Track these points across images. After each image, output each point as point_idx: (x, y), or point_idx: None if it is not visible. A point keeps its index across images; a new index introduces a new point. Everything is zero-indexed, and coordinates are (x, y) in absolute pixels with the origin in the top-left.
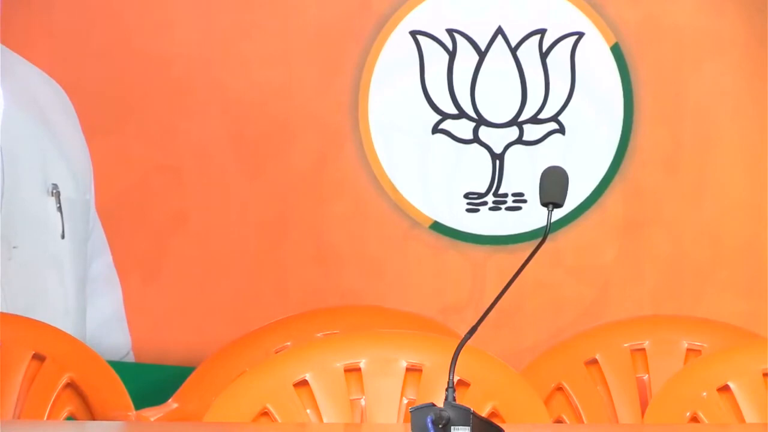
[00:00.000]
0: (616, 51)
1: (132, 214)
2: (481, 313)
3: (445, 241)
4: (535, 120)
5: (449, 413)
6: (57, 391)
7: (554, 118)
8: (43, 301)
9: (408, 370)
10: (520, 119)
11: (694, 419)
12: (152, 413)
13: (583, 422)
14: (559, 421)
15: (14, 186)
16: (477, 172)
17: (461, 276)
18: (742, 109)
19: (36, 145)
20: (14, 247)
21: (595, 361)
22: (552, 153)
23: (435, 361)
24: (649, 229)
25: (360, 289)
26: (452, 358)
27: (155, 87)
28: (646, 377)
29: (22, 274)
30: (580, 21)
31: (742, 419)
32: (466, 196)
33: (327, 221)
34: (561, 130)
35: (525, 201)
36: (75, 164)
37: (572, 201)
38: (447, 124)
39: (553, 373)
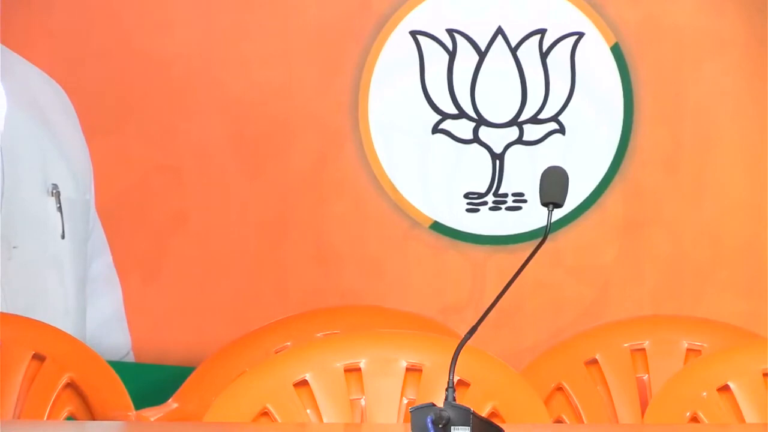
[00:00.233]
0: (616, 51)
1: (132, 214)
2: (481, 313)
3: (445, 241)
4: (535, 120)
5: (449, 413)
6: (57, 391)
7: (554, 118)
8: (43, 301)
9: (408, 370)
10: (520, 119)
11: (694, 419)
12: (152, 413)
13: (583, 422)
14: (559, 421)
15: (14, 186)
16: (477, 172)
17: (461, 276)
18: (742, 109)
19: (36, 145)
20: (14, 247)
21: (595, 361)
22: (552, 153)
23: (435, 361)
24: (649, 229)
25: (360, 289)
26: (452, 358)
27: (155, 87)
28: (646, 377)
29: (22, 274)
30: (580, 21)
31: (742, 419)
32: (466, 196)
33: (327, 221)
34: (561, 130)
35: (525, 201)
36: (75, 164)
37: (572, 201)
38: (447, 124)
39: (553, 373)
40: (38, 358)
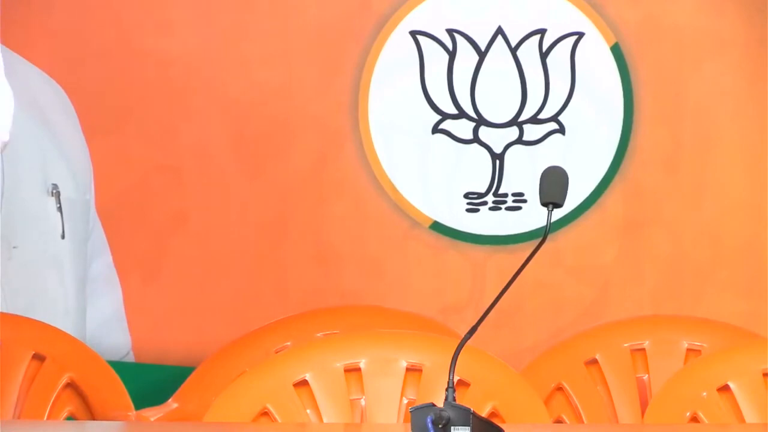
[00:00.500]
0: (616, 51)
1: (132, 214)
2: (481, 313)
3: (445, 241)
4: (535, 120)
5: (449, 413)
6: (57, 391)
7: (554, 118)
8: (43, 301)
9: (408, 370)
10: (520, 119)
11: (694, 419)
12: (152, 413)
13: (583, 422)
14: (559, 421)
15: (14, 186)
16: (477, 172)
17: (461, 276)
18: (742, 109)
19: (36, 145)
20: (14, 247)
21: (595, 361)
22: (552, 153)
23: (435, 361)
24: (649, 229)
25: (360, 289)
26: (452, 358)
27: (155, 87)
28: (646, 377)
29: (22, 274)
30: (580, 21)
31: (742, 419)
32: (466, 196)
33: (327, 221)
34: (561, 130)
35: (525, 201)
36: (75, 164)
37: (572, 201)
38: (447, 124)
39: (553, 373)
40: (38, 358)
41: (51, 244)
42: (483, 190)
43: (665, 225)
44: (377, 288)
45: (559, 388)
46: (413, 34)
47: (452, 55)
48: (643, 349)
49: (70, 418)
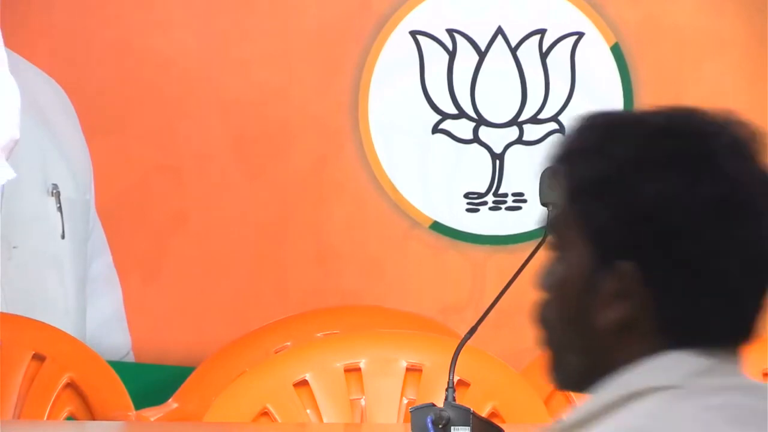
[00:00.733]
0: (616, 51)
1: (132, 214)
2: (481, 313)
3: (445, 241)
4: (535, 120)
5: (449, 413)
6: (57, 391)
7: (554, 118)
8: (43, 301)
9: (408, 370)
10: (520, 119)
11: None
12: (152, 413)
13: None
14: None
15: (14, 186)
16: (477, 172)
17: (461, 276)
18: (742, 109)
19: (36, 145)
20: (14, 247)
21: None
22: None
23: (435, 361)
24: None
25: (360, 289)
26: (452, 358)
27: (155, 87)
28: None
29: (22, 274)
30: (580, 21)
31: None
32: (466, 196)
33: (327, 221)
34: (561, 130)
35: (525, 201)
36: (75, 164)
37: None
38: (447, 124)
39: None
40: (38, 358)
41: (51, 244)
42: (483, 190)
43: None
44: (377, 288)
45: None
46: (413, 34)
47: (452, 55)
48: None
49: (70, 418)
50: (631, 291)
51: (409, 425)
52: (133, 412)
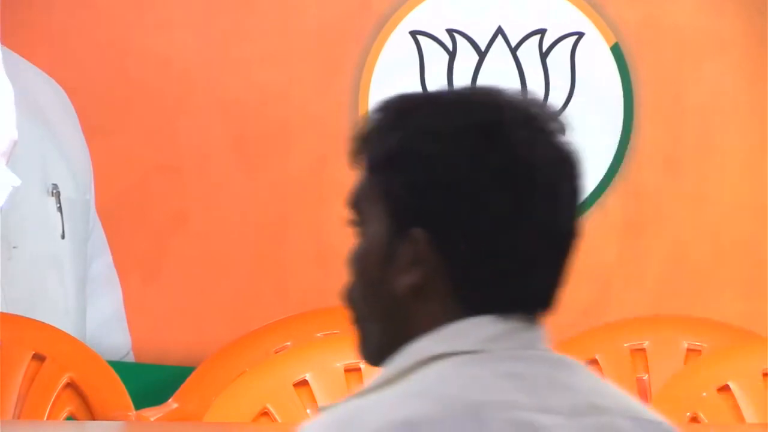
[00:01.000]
0: (616, 51)
1: (132, 214)
2: None
3: None
4: None
5: None
6: (57, 391)
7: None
8: (43, 301)
9: None
10: None
11: (694, 419)
12: (152, 413)
13: None
14: None
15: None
16: None
17: None
18: (742, 109)
19: (36, 145)
20: (14, 247)
21: (595, 361)
22: None
23: None
24: (650, 229)
25: None
26: None
27: (155, 87)
28: (646, 377)
29: (22, 274)
30: (580, 21)
31: (742, 419)
32: None
33: (327, 221)
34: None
35: None
36: (75, 164)
37: None
38: None
39: None
40: (38, 358)
41: (51, 244)
42: None
43: (665, 225)
44: None
45: None
46: (413, 34)
47: (452, 55)
48: (643, 349)
49: (70, 418)
50: (424, 257)
51: None
52: (133, 412)
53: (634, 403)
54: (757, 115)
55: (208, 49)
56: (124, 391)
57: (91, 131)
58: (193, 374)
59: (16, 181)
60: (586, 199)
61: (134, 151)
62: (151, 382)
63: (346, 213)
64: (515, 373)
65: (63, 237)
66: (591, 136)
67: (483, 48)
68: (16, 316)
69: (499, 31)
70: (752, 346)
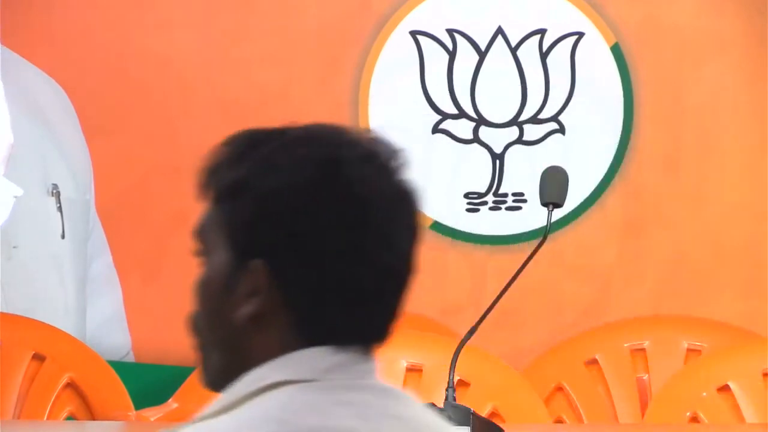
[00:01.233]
0: (616, 51)
1: (132, 214)
2: (481, 313)
3: (445, 241)
4: (535, 120)
5: (449, 413)
6: (57, 391)
7: (554, 118)
8: (43, 301)
9: (408, 370)
10: (520, 119)
11: (694, 419)
12: (152, 413)
13: (583, 422)
14: (559, 421)
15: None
16: (477, 172)
17: (461, 276)
18: (742, 110)
19: (36, 145)
20: (14, 247)
21: (595, 361)
22: (552, 153)
23: (435, 361)
24: (649, 229)
25: None
26: (452, 358)
27: (155, 87)
28: (646, 377)
29: (22, 274)
30: (580, 21)
31: (742, 419)
32: (466, 196)
33: None
34: (561, 130)
35: (525, 201)
36: (75, 164)
37: (572, 201)
38: (447, 124)
39: (553, 373)
40: (38, 358)
41: (51, 244)
42: (483, 190)
43: (665, 225)
44: None
45: (559, 388)
46: (413, 34)
47: (452, 55)
48: (643, 349)
49: (70, 418)
50: (263, 288)
51: None
52: (133, 412)
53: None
54: (757, 115)
55: (208, 49)
56: (124, 391)
57: (91, 131)
58: (193, 374)
59: (18, 191)
60: (586, 199)
61: (134, 151)
62: (151, 382)
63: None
64: (351, 402)
65: (63, 237)
66: (591, 136)
67: (483, 48)
68: (16, 316)
69: (499, 31)
70: (752, 346)
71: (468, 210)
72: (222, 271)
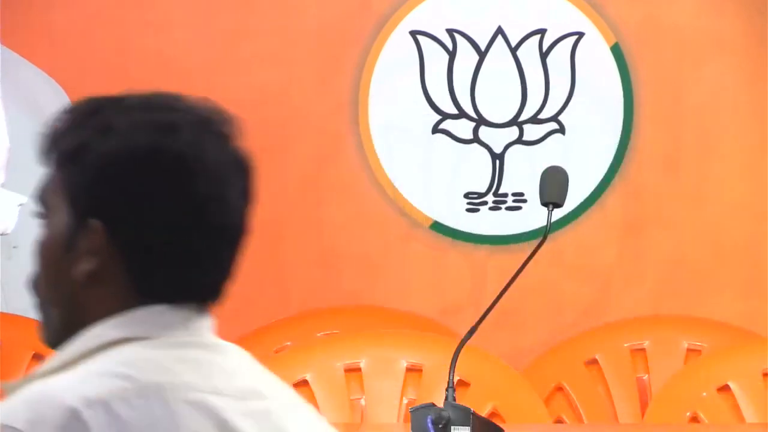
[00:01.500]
0: (616, 51)
1: None
2: (481, 313)
3: (445, 241)
4: (535, 120)
5: (449, 413)
6: None
7: (554, 118)
8: None
9: (408, 370)
10: (520, 119)
11: (694, 419)
12: None
13: (583, 422)
14: (559, 421)
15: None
16: (477, 172)
17: (461, 276)
18: (742, 110)
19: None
20: (14, 247)
21: (595, 361)
22: (552, 153)
23: (435, 361)
24: (649, 229)
25: (360, 289)
26: (452, 358)
27: (155, 87)
28: (646, 377)
29: (22, 274)
30: (580, 21)
31: (742, 419)
32: (466, 195)
33: (327, 221)
34: (561, 130)
35: (525, 201)
36: None
37: (572, 201)
38: (447, 124)
39: (553, 373)
40: (38, 358)
41: None
42: (483, 190)
43: (665, 225)
44: (377, 288)
45: (559, 388)
46: (413, 34)
47: (452, 55)
48: (643, 349)
49: None
50: (101, 247)
51: (409, 425)
52: None
53: (285, 387)
54: (757, 115)
55: (208, 49)
56: None
57: None
58: None
59: (22, 199)
60: (586, 199)
61: None
62: None
63: (345, 213)
64: (188, 358)
65: None
66: (591, 136)
67: (483, 48)
68: (16, 316)
69: (499, 31)
70: (752, 346)
71: (468, 210)
72: (62, 231)
